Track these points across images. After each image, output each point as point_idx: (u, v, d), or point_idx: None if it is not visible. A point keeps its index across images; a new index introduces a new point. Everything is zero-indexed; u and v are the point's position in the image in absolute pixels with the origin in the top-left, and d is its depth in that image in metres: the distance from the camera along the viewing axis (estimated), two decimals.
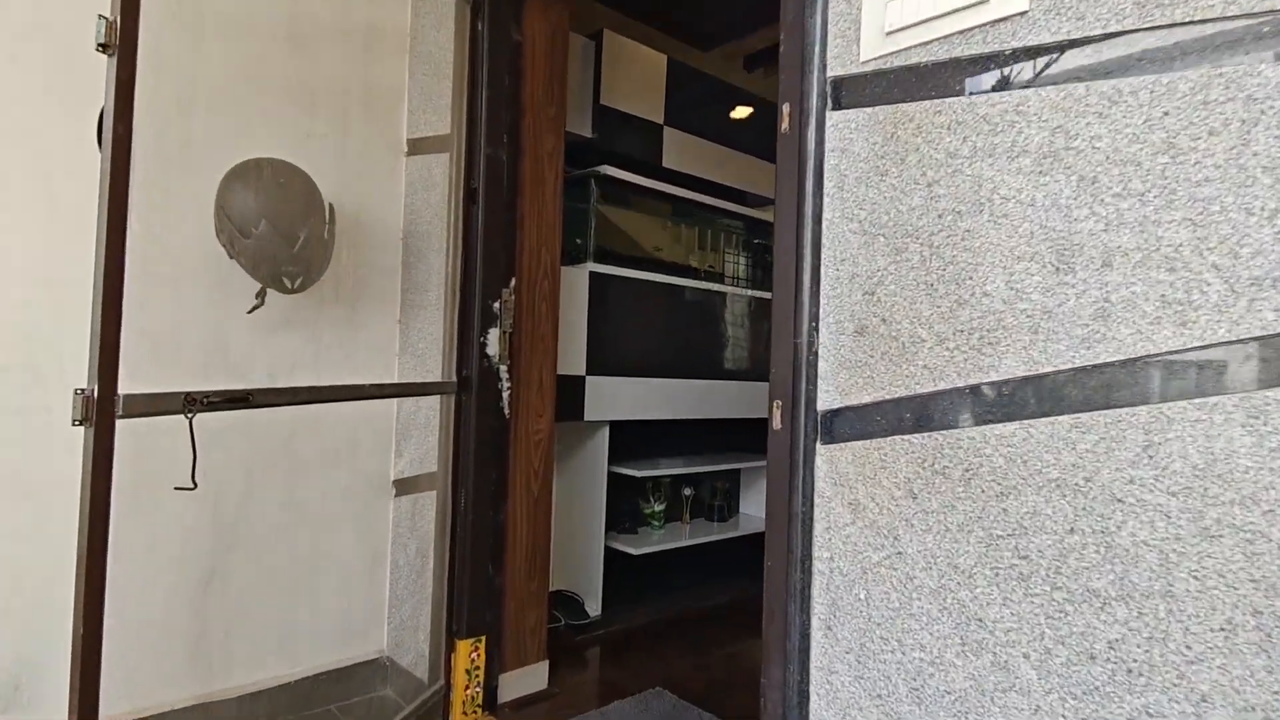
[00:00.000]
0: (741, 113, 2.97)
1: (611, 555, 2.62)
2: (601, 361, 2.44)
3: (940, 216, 0.89)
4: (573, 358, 2.35)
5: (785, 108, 1.10)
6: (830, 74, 1.03)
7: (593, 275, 2.41)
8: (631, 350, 2.55)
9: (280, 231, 1.65)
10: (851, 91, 1.00)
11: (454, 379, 1.80)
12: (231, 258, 1.63)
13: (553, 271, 1.99)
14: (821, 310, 1.02)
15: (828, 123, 1.03)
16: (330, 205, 1.79)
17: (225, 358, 1.72)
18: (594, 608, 2.49)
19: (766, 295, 3.06)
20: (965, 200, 0.87)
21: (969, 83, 0.87)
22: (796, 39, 1.08)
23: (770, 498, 1.10)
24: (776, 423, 1.07)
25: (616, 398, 2.49)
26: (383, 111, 1.98)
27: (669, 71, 2.67)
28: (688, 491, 3.06)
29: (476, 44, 1.83)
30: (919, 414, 0.90)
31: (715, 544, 2.96)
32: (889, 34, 0.95)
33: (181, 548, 1.66)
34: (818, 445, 1.01)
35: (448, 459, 1.82)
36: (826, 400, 1.01)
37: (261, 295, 1.73)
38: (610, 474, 2.56)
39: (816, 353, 1.02)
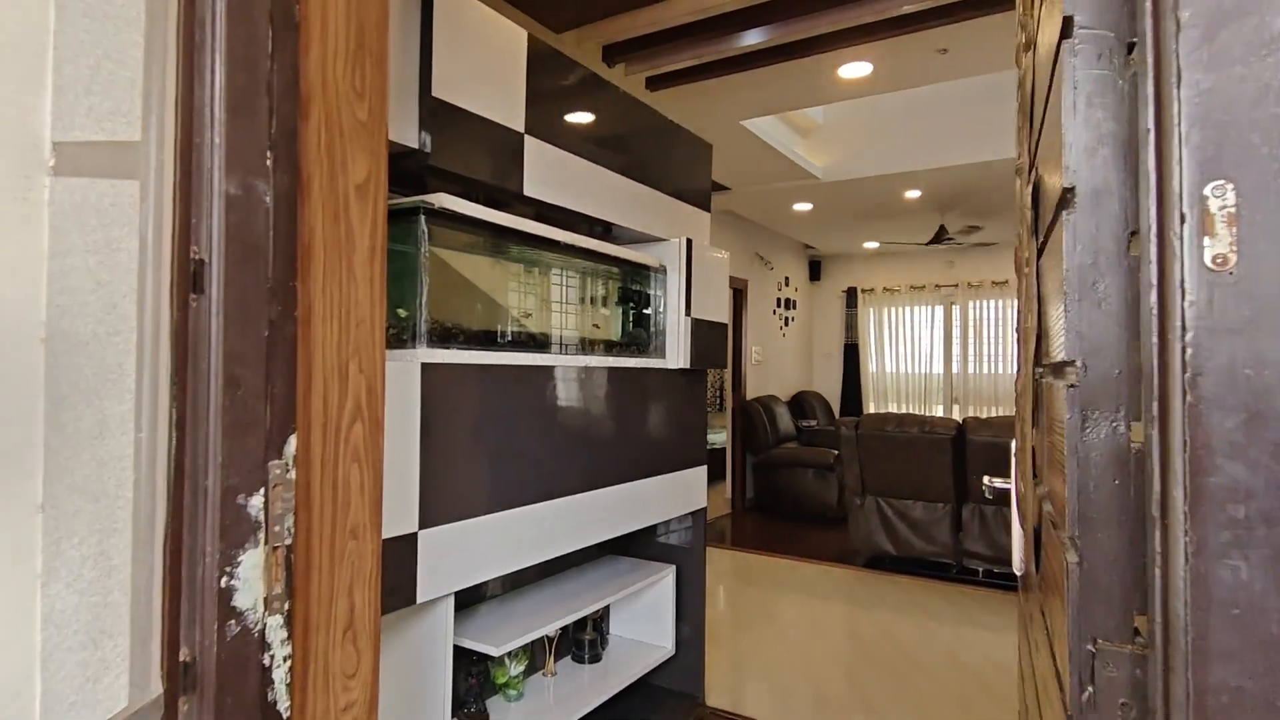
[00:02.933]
0: (620, 121, 2.19)
1: None
2: (442, 504, 1.55)
3: None
4: (397, 508, 1.44)
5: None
6: None
7: (427, 369, 1.51)
8: (488, 474, 1.68)
9: None
10: None
11: (158, 680, 0.84)
12: None
13: (371, 406, 1.08)
14: None
15: None
16: None
17: None
18: None
19: (653, 364, 2.32)
20: None
21: None
22: None
23: None
24: None
25: (467, 552, 1.61)
26: None
27: (531, 56, 1.81)
28: (552, 635, 2.25)
29: None
30: None
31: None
32: None
33: None
34: None
35: None
36: None
37: None
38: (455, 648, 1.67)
39: None
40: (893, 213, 6.08)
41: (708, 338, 2.48)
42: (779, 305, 7.40)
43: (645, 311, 2.39)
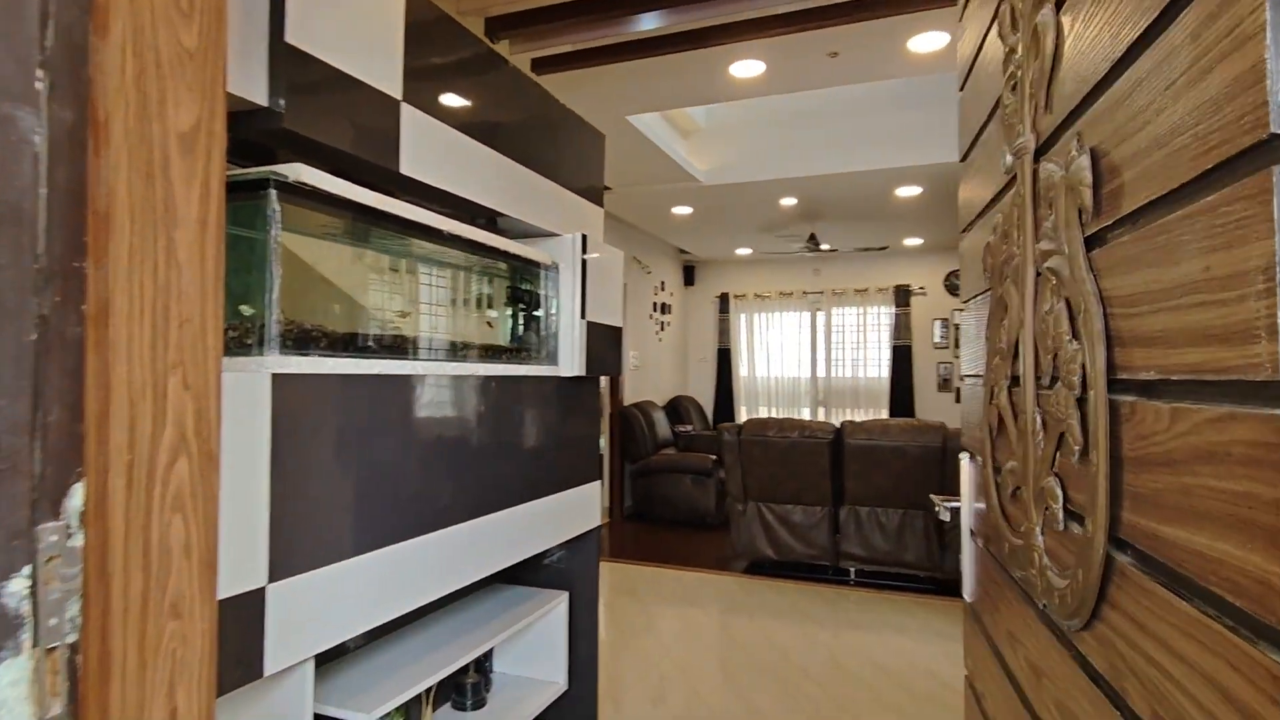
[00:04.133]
0: (512, 100, 1.95)
1: None
2: (298, 549, 1.26)
3: None
4: (238, 559, 1.14)
5: None
6: None
7: (279, 381, 1.22)
8: (356, 509, 1.39)
9: None
10: None
11: None
12: None
13: (202, 433, 0.80)
14: None
15: None
16: None
17: None
18: None
19: (545, 371, 2.09)
20: None
21: None
22: None
23: None
24: None
25: (330, 604, 1.32)
26: None
27: (410, 13, 1.55)
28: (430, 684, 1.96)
29: None
30: None
31: None
32: None
33: None
34: None
35: None
36: None
37: None
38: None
39: None
40: (768, 219, 6.17)
41: (602, 342, 2.29)
42: (655, 310, 7.35)
43: (535, 314, 2.16)
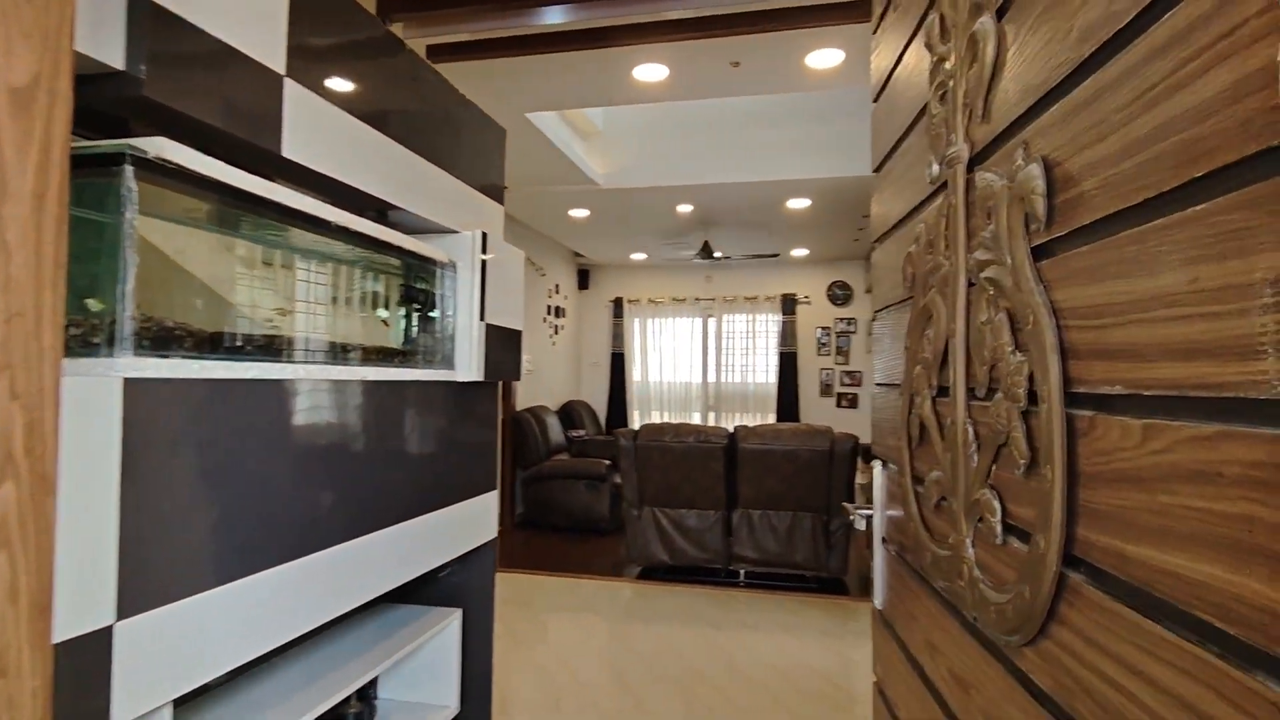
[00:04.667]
0: (408, 86, 1.83)
1: None
2: (154, 579, 1.10)
3: None
4: (80, 594, 0.98)
5: None
6: None
7: (133, 387, 1.06)
8: (223, 531, 1.24)
9: None
10: None
11: None
12: None
13: (34, 451, 0.67)
14: None
15: None
16: None
17: None
18: None
19: (440, 375, 1.97)
20: None
21: None
22: None
23: None
24: None
25: (192, 641, 1.17)
26: None
27: None
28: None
29: None
30: None
31: None
32: None
33: None
34: None
35: None
36: None
37: None
38: None
39: None
40: (665, 224, 6.21)
41: (502, 346, 2.19)
42: (549, 313, 7.23)
43: (431, 315, 2.03)
